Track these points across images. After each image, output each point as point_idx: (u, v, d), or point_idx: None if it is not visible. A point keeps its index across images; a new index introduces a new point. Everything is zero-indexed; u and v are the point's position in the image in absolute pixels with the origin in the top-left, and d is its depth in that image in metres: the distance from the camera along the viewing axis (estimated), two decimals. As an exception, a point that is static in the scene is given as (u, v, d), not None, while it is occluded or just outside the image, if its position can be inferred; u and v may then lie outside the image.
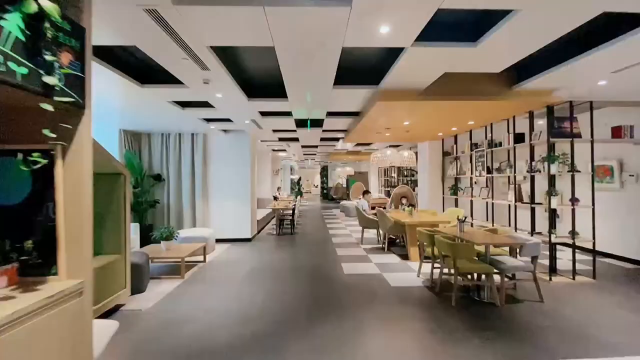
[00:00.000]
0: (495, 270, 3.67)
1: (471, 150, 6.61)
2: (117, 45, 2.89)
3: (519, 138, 5.18)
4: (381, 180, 15.47)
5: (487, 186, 6.49)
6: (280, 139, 8.75)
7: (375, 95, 4.14)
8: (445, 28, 2.81)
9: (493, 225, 5.88)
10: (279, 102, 4.63)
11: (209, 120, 6.11)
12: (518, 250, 3.72)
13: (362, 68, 3.91)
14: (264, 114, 5.55)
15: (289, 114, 5.47)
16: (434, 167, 7.93)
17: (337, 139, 9.05)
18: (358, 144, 10.29)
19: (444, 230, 4.72)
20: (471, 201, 6.83)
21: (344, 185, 20.05)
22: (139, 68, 3.77)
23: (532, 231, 4.80)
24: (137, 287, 4.06)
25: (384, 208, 10.65)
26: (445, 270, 4.14)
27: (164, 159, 7.29)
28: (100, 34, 2.51)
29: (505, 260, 3.81)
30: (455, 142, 7.45)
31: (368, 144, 10.32)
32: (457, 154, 7.23)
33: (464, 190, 7.20)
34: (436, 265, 4.37)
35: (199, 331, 3.08)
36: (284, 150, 11.84)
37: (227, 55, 3.40)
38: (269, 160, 11.99)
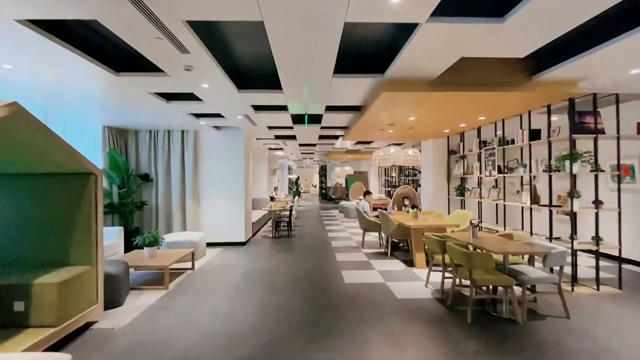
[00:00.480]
0: (514, 282, 3.25)
1: (480, 148, 6.19)
2: (75, 19, 2.45)
3: (534, 134, 4.76)
4: (381, 180, 15.05)
5: (496, 187, 6.07)
6: (277, 137, 8.31)
7: (380, 85, 3.70)
8: (465, 2, 2.38)
9: (505, 229, 5.46)
10: (273, 94, 4.19)
11: (198, 115, 5.67)
12: (542, 259, 3.30)
13: (366, 55, 3.47)
14: (257, 108, 5.10)
15: (284, 108, 5.03)
16: (438, 167, 7.51)
17: (336, 137, 8.62)
18: (358, 143, 9.86)
19: (453, 235, 4.30)
20: (480, 203, 6.42)
21: (343, 185, 19.64)
22: (114, 54, 3.32)
23: (551, 237, 4.38)
24: (113, 301, 3.62)
25: (385, 209, 10.23)
26: (458, 281, 3.72)
27: (152, 157, 6.84)
28: (51, 4, 2.07)
29: (526, 270, 3.39)
30: (462, 140, 7.04)
31: (368, 143, 9.90)
32: (464, 152, 6.81)
33: (471, 191, 6.78)
34: (447, 274, 3.95)
35: (179, 356, 2.64)
36: (281, 149, 11.39)
37: (210, 36, 2.95)
38: (265, 159, 11.55)
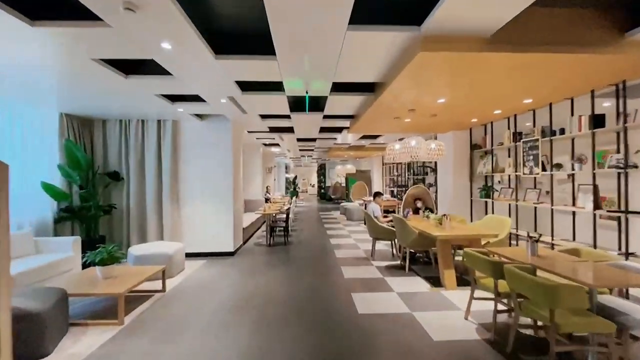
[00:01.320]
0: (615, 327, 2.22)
1: (514, 140, 5.18)
2: None
3: (598, 121, 3.74)
4: (385, 179, 14.03)
5: (535, 187, 5.06)
6: (271, 129, 7.24)
7: (414, 43, 2.64)
8: None
9: (552, 240, 4.44)
10: (264, 63, 3.13)
11: (172, 99, 4.60)
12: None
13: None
14: (244, 86, 4.04)
15: (279, 87, 3.96)
16: (459, 163, 6.48)
17: (339, 130, 7.57)
18: (362, 137, 8.81)
19: (495, 249, 3.27)
20: (515, 206, 5.40)
21: (343, 185, 18.62)
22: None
23: (627, 253, 3.37)
24: (36, 350, 2.56)
25: (393, 212, 9.21)
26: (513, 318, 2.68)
27: (123, 152, 5.75)
28: None
29: (623, 306, 2.37)
30: (486, 133, 6.03)
31: (374, 137, 8.86)
32: (492, 146, 5.79)
33: (500, 191, 5.77)
34: (499, 305, 2.92)
35: None
36: (277, 144, 10.33)
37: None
38: (260, 156, 10.47)
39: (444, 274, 4.12)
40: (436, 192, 8.27)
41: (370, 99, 4.37)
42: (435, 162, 8.48)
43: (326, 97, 4.41)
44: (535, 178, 4.99)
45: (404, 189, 11.54)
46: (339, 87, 4.10)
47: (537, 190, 4.92)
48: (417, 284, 4.27)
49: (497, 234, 4.26)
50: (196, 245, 5.84)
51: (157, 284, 4.20)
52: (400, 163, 12.04)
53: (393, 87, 3.40)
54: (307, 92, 3.65)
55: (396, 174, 12.56)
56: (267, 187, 11.69)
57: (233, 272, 4.94)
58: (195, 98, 4.49)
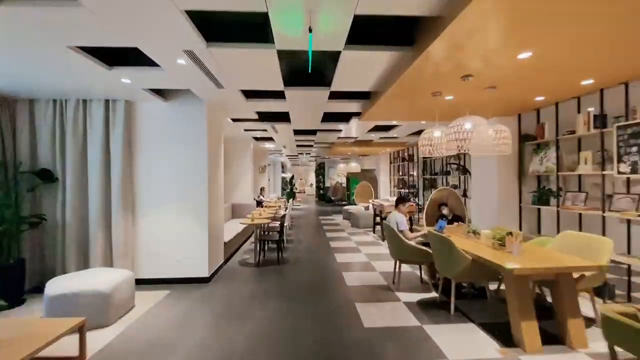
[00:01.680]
0: None
1: (595, 127, 3.72)
2: None
3: None
4: (394, 179, 12.55)
5: (627, 192, 3.61)
6: (261, 116, 5.73)
7: None
8: None
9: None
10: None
11: (108, 61, 3.09)
12: None
13: None
14: (207, 32, 2.53)
15: (265, 33, 2.46)
16: (503, 159, 5.00)
17: (347, 118, 6.08)
18: (373, 129, 7.32)
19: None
20: (602, 219, 3.94)
21: (344, 185, 17.18)
22: None
23: None
24: None
25: (410, 219, 7.73)
26: None
27: (58, 143, 4.23)
28: None
29: None
30: (539, 120, 4.59)
31: (387, 129, 7.37)
32: (557, 135, 4.32)
33: (565, 197, 4.31)
34: None
35: None
36: (271, 138, 8.82)
37: None
38: (250, 152, 8.95)
39: (520, 328, 2.64)
40: (464, 195, 6.82)
41: (406, 56, 2.87)
42: (463, 158, 7.03)
43: (339, 55, 2.90)
44: (628, 178, 3.55)
45: (414, 190, 10.10)
46: (361, 34, 2.60)
47: (634, 197, 3.46)
48: (477, 340, 2.80)
49: (600, 264, 2.79)
50: (157, 269, 4.34)
51: (74, 343, 2.67)
52: (411, 161, 10.58)
53: (458, 24, 1.90)
54: (310, 31, 2.16)
55: (409, 173, 11.08)
56: (261, 189, 10.17)
57: (203, 313, 3.43)
58: (141, 58, 2.97)
